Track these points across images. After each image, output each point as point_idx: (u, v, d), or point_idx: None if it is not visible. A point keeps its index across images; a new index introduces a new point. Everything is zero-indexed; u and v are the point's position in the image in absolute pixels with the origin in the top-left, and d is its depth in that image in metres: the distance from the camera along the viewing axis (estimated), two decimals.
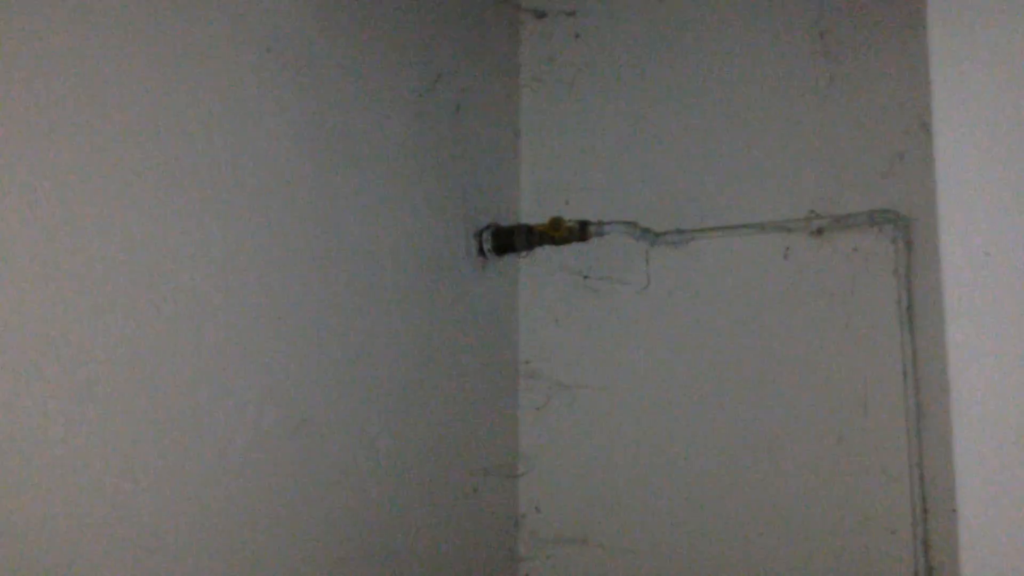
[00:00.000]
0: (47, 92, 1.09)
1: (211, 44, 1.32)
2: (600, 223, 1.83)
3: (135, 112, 1.20)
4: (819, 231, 1.76)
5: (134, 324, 1.17)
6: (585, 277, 1.96)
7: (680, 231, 1.87)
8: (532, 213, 2.00)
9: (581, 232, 1.82)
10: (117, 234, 1.16)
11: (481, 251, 1.88)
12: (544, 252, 1.96)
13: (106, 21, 1.17)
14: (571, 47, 2.04)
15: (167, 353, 1.22)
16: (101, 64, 1.16)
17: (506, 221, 1.95)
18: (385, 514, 1.60)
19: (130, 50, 1.20)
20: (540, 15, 2.06)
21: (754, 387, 1.80)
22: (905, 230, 1.68)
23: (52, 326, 1.08)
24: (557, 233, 1.82)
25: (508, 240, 1.88)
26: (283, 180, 1.43)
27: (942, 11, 1.04)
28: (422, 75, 1.77)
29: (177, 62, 1.26)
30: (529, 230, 1.87)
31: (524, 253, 1.95)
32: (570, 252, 1.95)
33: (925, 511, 1.61)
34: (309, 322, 1.47)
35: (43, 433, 1.06)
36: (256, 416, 1.35)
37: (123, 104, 1.18)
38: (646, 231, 1.87)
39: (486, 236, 1.88)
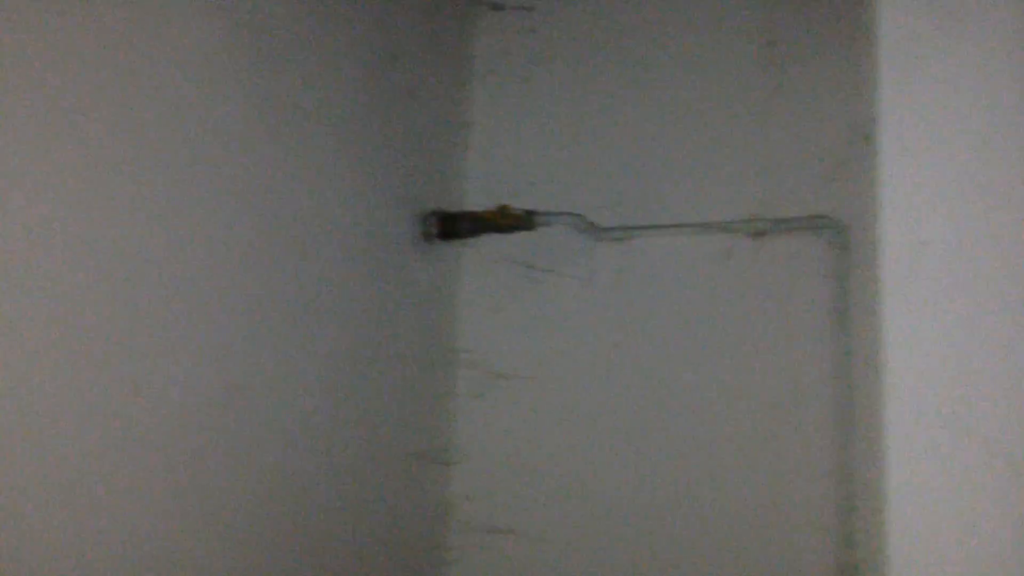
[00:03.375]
0: None
1: None
2: (546, 213, 1.85)
3: (80, 66, 1.17)
4: (759, 233, 1.80)
5: (67, 280, 1.14)
6: (528, 267, 1.97)
7: (624, 227, 1.90)
8: (478, 203, 1.99)
9: (527, 221, 1.83)
10: (53, 187, 1.13)
11: (425, 236, 1.87)
12: (488, 241, 1.96)
13: None
14: (526, 41, 2.05)
15: (98, 308, 1.18)
16: (44, 17, 1.13)
17: (450, 208, 1.95)
18: (315, 490, 1.57)
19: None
20: (497, 7, 2.07)
21: (688, 384, 1.82)
22: (842, 236, 1.73)
23: None
24: (504, 221, 1.83)
25: (453, 226, 1.88)
26: (229, 142, 1.41)
27: (891, 26, 1.09)
28: (377, 55, 1.77)
29: (123, 14, 1.23)
30: (475, 216, 1.87)
31: (469, 240, 1.95)
32: (514, 242, 1.96)
33: (849, 509, 1.65)
34: (246, 287, 1.44)
35: None
36: (188, 378, 1.32)
37: (68, 58, 1.15)
38: (591, 225, 1.89)
39: (431, 220, 1.87)
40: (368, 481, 1.71)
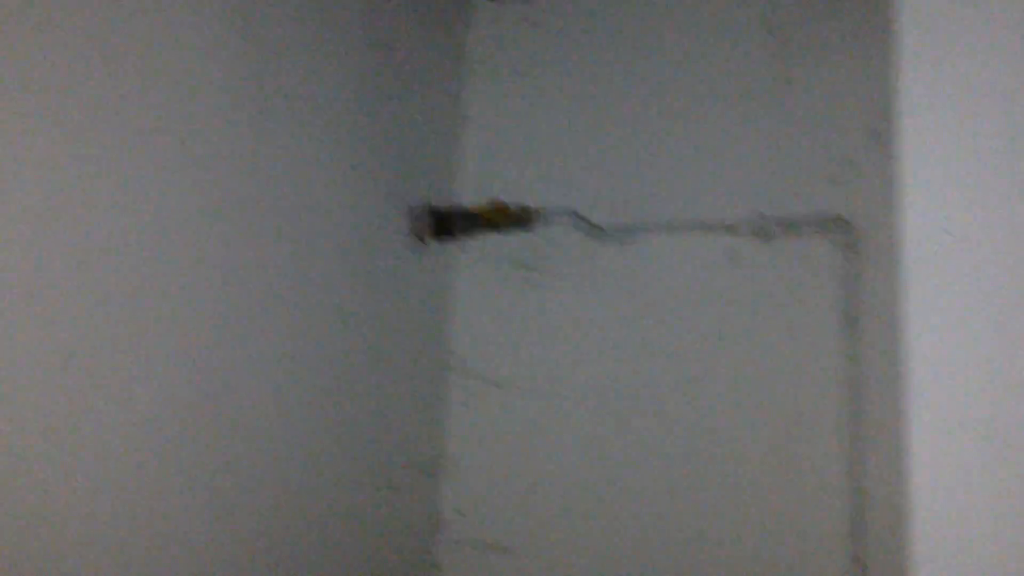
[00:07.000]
0: None
1: None
2: (544, 211, 1.78)
3: (65, 53, 1.10)
4: (766, 234, 1.73)
5: (44, 269, 1.07)
6: (525, 269, 1.89)
7: (626, 227, 1.83)
8: (473, 203, 1.92)
9: (524, 218, 1.76)
10: (35, 172, 1.06)
11: (418, 234, 1.80)
12: (482, 240, 1.89)
13: None
14: (524, 34, 1.99)
15: (73, 298, 1.11)
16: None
17: (443, 205, 1.88)
18: (299, 497, 1.50)
19: None
20: None
21: (693, 394, 1.75)
22: (851, 237, 1.67)
23: None
24: (500, 218, 1.76)
25: (447, 223, 1.81)
26: (216, 128, 1.34)
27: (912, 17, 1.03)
28: (370, 45, 1.70)
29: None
30: (469, 214, 1.80)
31: (463, 239, 1.87)
32: (511, 242, 1.89)
33: (860, 523, 1.58)
34: (231, 283, 1.36)
35: None
36: (164, 376, 1.24)
37: (52, 38, 1.09)
38: (591, 225, 1.82)
39: (424, 218, 1.81)
40: (355, 493, 1.63)
